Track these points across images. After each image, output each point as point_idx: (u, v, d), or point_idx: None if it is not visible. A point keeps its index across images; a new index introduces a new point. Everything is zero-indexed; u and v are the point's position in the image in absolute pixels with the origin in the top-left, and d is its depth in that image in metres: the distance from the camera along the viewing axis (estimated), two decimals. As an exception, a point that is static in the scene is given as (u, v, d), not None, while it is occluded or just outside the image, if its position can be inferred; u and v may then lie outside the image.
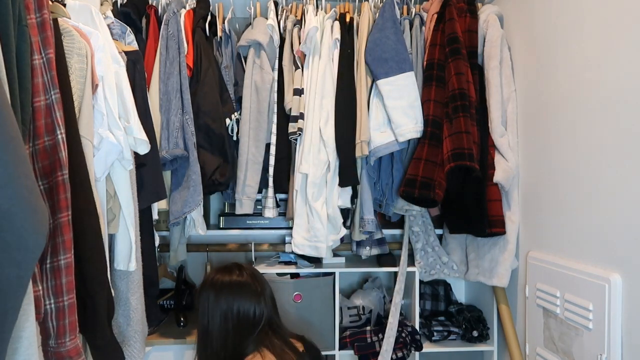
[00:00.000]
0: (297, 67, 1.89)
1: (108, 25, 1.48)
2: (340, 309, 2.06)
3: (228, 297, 1.33)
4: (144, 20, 1.92)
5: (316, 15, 1.89)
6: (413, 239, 2.04)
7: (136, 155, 1.45)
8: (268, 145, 1.92)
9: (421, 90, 1.84)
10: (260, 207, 1.98)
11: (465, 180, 1.74)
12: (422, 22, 1.96)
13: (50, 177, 1.01)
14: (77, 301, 1.07)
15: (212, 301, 1.34)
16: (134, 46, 1.61)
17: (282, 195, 2.04)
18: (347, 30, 1.94)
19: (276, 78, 1.93)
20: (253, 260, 2.22)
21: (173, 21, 1.81)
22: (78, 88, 1.18)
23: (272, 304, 1.40)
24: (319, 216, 1.80)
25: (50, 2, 1.13)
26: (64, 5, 1.25)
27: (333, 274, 1.98)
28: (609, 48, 1.32)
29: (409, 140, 1.84)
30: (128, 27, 1.63)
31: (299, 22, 1.96)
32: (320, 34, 1.87)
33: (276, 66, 1.93)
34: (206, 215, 2.14)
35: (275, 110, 1.92)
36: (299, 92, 1.85)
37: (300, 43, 1.86)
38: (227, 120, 1.89)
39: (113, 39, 1.44)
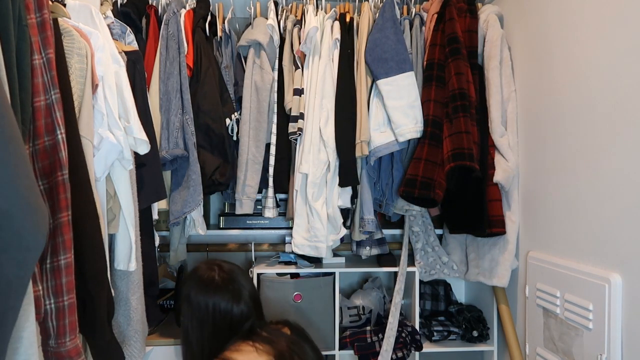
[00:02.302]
0: (297, 67, 1.89)
1: (108, 25, 1.48)
2: (340, 309, 2.06)
3: (206, 298, 1.26)
4: (144, 20, 1.92)
5: (316, 15, 1.89)
6: (413, 239, 2.04)
7: (136, 155, 1.45)
8: (268, 145, 1.92)
9: (421, 90, 1.85)
10: (260, 207, 1.98)
11: (465, 180, 1.74)
12: (422, 22, 1.96)
13: (50, 177, 1.01)
14: (77, 301, 1.07)
15: (192, 301, 1.27)
16: (134, 46, 1.61)
17: (282, 195, 2.04)
18: (347, 30, 1.94)
19: (276, 78, 1.93)
20: (253, 260, 2.22)
21: (173, 21, 1.81)
22: (78, 88, 1.18)
23: (253, 306, 1.32)
24: (319, 216, 1.80)
25: (50, 2, 1.13)
26: (64, 5, 1.25)
27: (333, 274, 1.98)
28: (609, 48, 1.32)
29: (409, 140, 1.84)
30: (128, 27, 1.63)
31: (299, 22, 1.96)
32: (320, 34, 1.87)
33: (276, 66, 1.94)
34: (206, 215, 2.14)
35: (276, 110, 1.92)
36: (299, 92, 1.85)
37: (300, 43, 1.86)
38: (227, 120, 1.89)
39: (113, 39, 1.44)
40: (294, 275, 1.97)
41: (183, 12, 1.86)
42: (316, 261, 2.07)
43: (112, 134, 1.27)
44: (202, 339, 1.24)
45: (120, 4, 1.86)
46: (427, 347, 1.96)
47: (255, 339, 1.21)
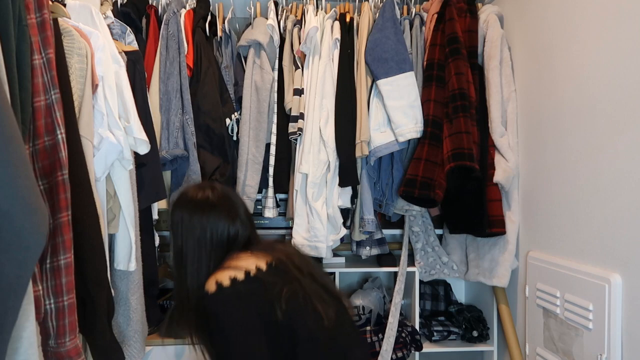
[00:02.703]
0: (297, 67, 1.89)
1: (108, 25, 1.48)
2: (340, 309, 2.06)
3: (202, 218, 1.21)
4: (144, 20, 1.92)
5: (316, 15, 1.89)
6: (413, 239, 2.04)
7: (136, 155, 1.44)
8: (268, 145, 1.92)
9: (421, 90, 1.85)
10: (260, 207, 1.98)
11: (465, 180, 1.74)
12: (422, 22, 1.96)
13: (50, 177, 1.01)
14: (77, 301, 1.06)
15: (186, 222, 1.21)
16: (134, 46, 1.61)
17: (282, 195, 2.04)
18: (347, 30, 1.94)
19: (276, 78, 1.93)
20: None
21: (173, 21, 1.82)
22: (78, 88, 1.18)
23: (249, 223, 1.28)
24: (319, 216, 1.80)
25: (50, 2, 1.13)
26: (64, 5, 1.25)
27: (333, 274, 1.98)
28: (609, 47, 1.32)
29: (409, 140, 1.84)
30: (128, 27, 1.64)
31: (299, 22, 1.96)
32: (320, 34, 1.87)
33: (276, 66, 1.94)
34: (206, 215, 2.13)
35: (276, 110, 1.92)
36: (299, 92, 1.85)
37: (300, 43, 1.86)
38: (227, 120, 1.89)
39: (113, 39, 1.44)
40: (294, 275, 1.97)
41: (183, 12, 1.86)
42: (316, 261, 2.07)
43: (112, 134, 1.27)
44: (199, 261, 1.20)
45: (120, 4, 1.86)
46: (427, 347, 1.96)
47: (253, 249, 1.21)
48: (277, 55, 1.94)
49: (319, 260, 2.06)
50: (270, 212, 1.93)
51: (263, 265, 1.14)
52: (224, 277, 1.09)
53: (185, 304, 1.19)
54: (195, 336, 1.19)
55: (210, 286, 1.08)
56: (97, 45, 1.26)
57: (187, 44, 1.83)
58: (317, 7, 1.98)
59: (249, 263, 1.14)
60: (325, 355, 1.10)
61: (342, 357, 1.12)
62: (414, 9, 2.01)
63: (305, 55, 1.89)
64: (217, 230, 1.21)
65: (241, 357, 1.04)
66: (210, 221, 1.21)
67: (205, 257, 1.20)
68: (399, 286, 1.94)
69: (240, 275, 1.10)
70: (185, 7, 1.91)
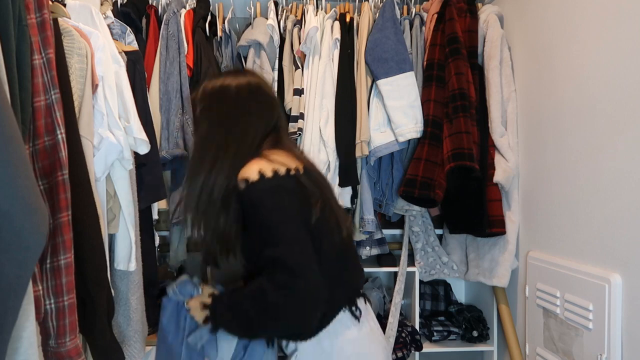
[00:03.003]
0: (297, 67, 1.89)
1: (108, 25, 1.48)
2: (340, 309, 2.06)
3: (246, 102, 1.10)
4: (144, 20, 1.92)
5: (316, 15, 1.89)
6: (413, 239, 2.04)
7: (136, 155, 1.44)
8: (268, 145, 1.92)
9: (421, 90, 1.85)
10: (260, 207, 1.98)
11: (466, 180, 1.74)
12: (422, 22, 1.96)
13: (50, 177, 1.01)
14: (77, 301, 1.06)
15: (228, 105, 1.10)
16: (134, 46, 1.61)
17: (282, 195, 2.04)
18: (347, 30, 1.94)
19: (276, 78, 1.93)
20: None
21: (173, 21, 1.82)
22: (78, 88, 1.18)
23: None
24: (319, 216, 1.80)
25: (50, 2, 1.13)
26: (64, 5, 1.25)
27: (333, 274, 1.97)
28: (610, 47, 1.32)
29: (409, 140, 1.84)
30: (128, 27, 1.64)
31: (299, 22, 1.96)
32: (320, 34, 1.87)
33: (276, 66, 1.94)
34: (206, 215, 2.13)
35: (276, 110, 1.92)
36: (299, 92, 1.85)
37: (300, 43, 1.86)
38: (227, 120, 1.89)
39: (113, 39, 1.44)
40: (294, 275, 1.97)
41: (183, 12, 1.86)
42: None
43: (112, 134, 1.27)
44: (238, 147, 1.07)
45: (120, 4, 1.86)
46: (427, 347, 1.96)
47: (285, 147, 1.12)
48: (277, 55, 1.94)
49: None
50: (270, 212, 1.92)
51: (301, 167, 1.06)
52: (266, 167, 1.01)
53: (205, 193, 1.05)
54: (209, 230, 1.06)
55: (252, 174, 1.00)
56: (97, 45, 1.26)
57: (187, 44, 1.83)
58: (317, 7, 1.98)
59: (288, 161, 1.05)
60: (340, 269, 1.07)
61: (351, 276, 1.11)
62: (414, 9, 2.01)
63: (305, 55, 1.89)
64: (262, 115, 1.12)
65: (284, 247, 0.96)
66: (257, 103, 1.12)
67: (243, 144, 1.08)
68: (399, 286, 1.94)
69: (282, 170, 1.02)
70: (185, 7, 1.91)
